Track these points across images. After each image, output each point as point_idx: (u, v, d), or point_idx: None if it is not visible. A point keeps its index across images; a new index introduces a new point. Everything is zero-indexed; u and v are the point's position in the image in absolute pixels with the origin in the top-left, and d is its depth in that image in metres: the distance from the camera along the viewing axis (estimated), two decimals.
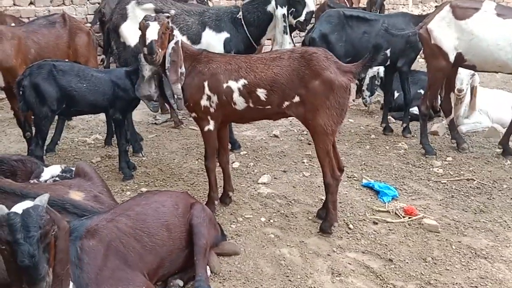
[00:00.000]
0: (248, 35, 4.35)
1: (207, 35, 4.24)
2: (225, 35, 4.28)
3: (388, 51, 5.19)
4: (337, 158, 3.17)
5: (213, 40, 4.24)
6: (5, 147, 4.85)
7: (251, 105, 3.06)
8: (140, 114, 6.10)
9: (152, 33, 3.03)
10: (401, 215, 3.43)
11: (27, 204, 1.87)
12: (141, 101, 4.10)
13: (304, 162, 4.58)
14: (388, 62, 5.34)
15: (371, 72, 6.31)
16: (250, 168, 4.41)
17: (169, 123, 5.85)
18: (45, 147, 4.14)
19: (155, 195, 2.72)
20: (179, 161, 4.59)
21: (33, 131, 3.96)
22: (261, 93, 3.00)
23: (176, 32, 3.20)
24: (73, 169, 2.98)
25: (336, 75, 2.88)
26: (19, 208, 1.84)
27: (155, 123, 5.86)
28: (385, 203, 3.65)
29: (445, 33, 4.51)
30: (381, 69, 6.26)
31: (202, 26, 4.25)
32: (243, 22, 4.24)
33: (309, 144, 5.13)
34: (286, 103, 3.00)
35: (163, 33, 3.07)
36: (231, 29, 4.27)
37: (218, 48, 4.22)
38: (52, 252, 1.89)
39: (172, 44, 3.11)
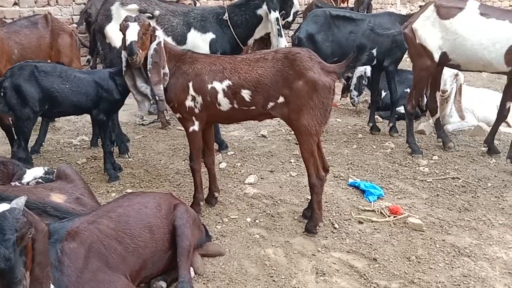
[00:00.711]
0: (235, 36, 4.34)
1: (192, 36, 4.23)
2: (210, 35, 4.27)
3: (374, 51, 5.23)
4: (322, 158, 3.18)
5: (199, 41, 4.22)
6: None
7: (235, 106, 3.05)
8: (127, 115, 6.06)
9: (132, 34, 3.03)
10: (386, 214, 3.45)
11: (3, 207, 1.83)
12: (125, 102, 4.10)
13: (291, 162, 4.58)
14: (375, 62, 5.37)
15: (358, 71, 6.34)
16: (237, 168, 4.40)
17: (156, 124, 5.82)
18: (29, 149, 4.09)
19: (137, 196, 2.70)
20: (165, 162, 4.57)
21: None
22: (246, 94, 2.99)
23: (159, 32, 3.16)
24: (54, 169, 2.96)
25: (320, 75, 2.88)
26: None
27: (142, 124, 5.82)
28: (370, 202, 3.66)
29: (429, 32, 4.54)
30: (368, 69, 6.29)
31: (187, 27, 4.23)
32: (229, 24, 4.23)
33: (297, 144, 5.07)
34: (271, 103, 2.99)
35: (143, 34, 3.05)
36: (216, 30, 4.25)
37: (204, 48, 4.21)
38: (29, 255, 1.86)
39: (154, 45, 3.09)
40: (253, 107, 3.03)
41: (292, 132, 5.32)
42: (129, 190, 3.84)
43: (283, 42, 4.29)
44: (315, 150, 3.01)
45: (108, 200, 3.66)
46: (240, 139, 5.33)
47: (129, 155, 4.67)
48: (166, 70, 3.14)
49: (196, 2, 7.30)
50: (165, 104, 3.20)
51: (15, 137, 3.85)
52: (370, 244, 3.03)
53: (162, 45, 3.11)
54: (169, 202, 2.71)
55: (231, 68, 3.05)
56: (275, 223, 3.31)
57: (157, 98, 3.16)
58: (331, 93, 2.93)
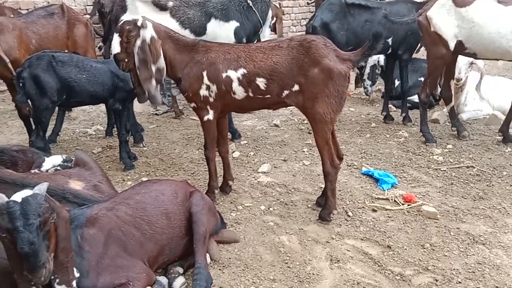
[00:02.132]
0: (260, 21, 4.36)
1: (213, 26, 4.23)
2: (234, 24, 4.27)
3: (389, 40, 5.17)
4: (336, 146, 3.18)
5: (222, 30, 4.22)
6: (7, 138, 4.88)
7: (250, 94, 3.06)
8: (141, 105, 6.06)
9: (115, 46, 3.12)
10: (400, 202, 3.44)
11: (26, 192, 1.89)
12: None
13: (304, 151, 4.59)
14: (390, 50, 5.32)
15: (372, 61, 6.30)
16: (250, 157, 4.42)
17: (170, 114, 5.87)
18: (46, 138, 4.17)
19: (154, 184, 2.74)
20: (179, 151, 4.61)
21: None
22: (261, 82, 2.99)
23: (145, 30, 3.09)
24: (72, 157, 3.01)
25: (335, 63, 2.87)
26: (18, 196, 1.86)
27: (156, 114, 5.87)
28: (384, 190, 3.66)
29: (444, 20, 4.48)
30: (381, 58, 6.23)
31: (206, 18, 4.23)
32: (254, 9, 4.24)
33: (310, 133, 5.14)
34: (286, 92, 2.99)
35: (126, 42, 3.09)
36: (239, 17, 4.26)
37: (228, 37, 4.21)
38: (52, 240, 1.92)
39: (137, 43, 3.09)
40: (268, 96, 3.04)
41: (305, 122, 5.36)
42: (144, 179, 3.89)
43: (268, 31, 4.32)
44: (329, 138, 3.01)
45: (124, 188, 3.72)
46: (253, 128, 5.35)
47: (144, 145, 4.73)
48: (161, 64, 3.14)
49: None
50: (158, 99, 3.23)
51: (33, 127, 3.92)
52: (384, 231, 3.04)
53: (150, 41, 3.06)
54: (185, 190, 2.75)
55: (245, 57, 3.06)
56: (289, 211, 3.33)
57: (147, 94, 3.21)
58: (346, 81, 2.93)
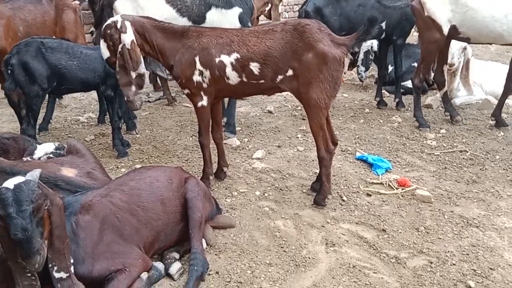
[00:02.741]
0: (254, 6, 4.33)
1: (213, 14, 4.17)
2: (238, 10, 4.22)
3: (383, 24, 5.14)
4: (331, 131, 3.17)
5: (225, 17, 4.17)
6: None
7: (244, 79, 3.03)
8: None
9: (104, 52, 3.16)
10: (394, 186, 3.46)
11: (18, 179, 1.86)
12: None
13: (298, 137, 4.59)
14: (383, 35, 5.29)
15: (365, 46, 6.28)
16: (245, 143, 4.41)
17: (163, 101, 5.82)
18: (37, 126, 4.12)
19: (149, 170, 2.72)
20: (173, 138, 4.58)
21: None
22: (254, 67, 2.96)
23: (125, 35, 3.05)
24: (65, 146, 2.97)
25: (330, 47, 2.85)
26: (10, 183, 1.84)
27: (148, 101, 5.82)
28: (378, 175, 3.67)
29: (438, 5, 4.46)
30: (375, 43, 6.21)
31: (206, 6, 4.17)
32: None
33: (303, 119, 5.13)
34: (280, 77, 2.97)
35: (112, 45, 3.10)
36: (240, 3, 4.21)
37: (233, 24, 4.16)
38: (46, 226, 1.90)
39: (119, 48, 3.07)
40: (262, 81, 3.01)
41: (299, 108, 5.35)
42: (138, 166, 3.86)
43: None
44: (324, 124, 3.00)
45: (118, 175, 3.70)
46: (246, 115, 5.32)
47: (137, 132, 4.69)
48: (142, 69, 3.14)
49: None
50: (137, 104, 3.24)
51: (24, 115, 3.86)
52: (379, 215, 3.05)
53: (130, 46, 3.04)
54: (180, 176, 2.74)
55: (239, 41, 3.02)
56: (284, 196, 3.33)
57: (125, 98, 3.23)
58: (341, 66, 2.90)
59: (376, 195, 3.36)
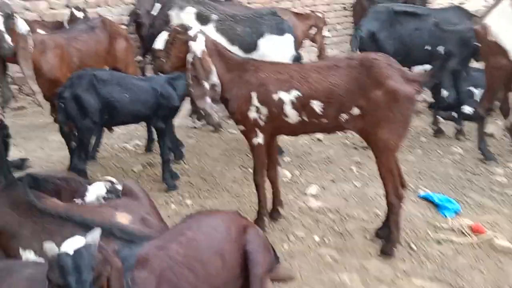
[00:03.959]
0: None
1: (266, 41, 4.03)
2: (290, 37, 4.08)
3: (441, 48, 4.83)
4: (399, 172, 2.91)
5: (278, 44, 4.02)
6: (46, 154, 4.81)
7: (304, 118, 2.83)
8: (179, 117, 5.97)
9: (158, 42, 3.04)
10: (467, 233, 3.14)
11: (78, 242, 1.72)
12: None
13: (353, 170, 4.33)
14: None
15: (418, 69, 5.96)
16: (296, 177, 4.20)
17: (208, 127, 5.69)
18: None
19: (206, 217, 2.55)
20: (221, 169, 4.43)
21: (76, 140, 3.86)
22: (316, 105, 2.76)
23: (196, 44, 2.94)
24: (117, 184, 2.85)
25: (401, 84, 2.61)
26: (69, 247, 1.69)
27: (194, 127, 5.71)
28: (447, 218, 3.36)
29: (505, 28, 4.14)
30: (428, 67, 5.88)
31: (258, 34, 4.04)
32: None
33: (356, 149, 4.88)
34: (344, 116, 2.75)
35: (170, 42, 3.00)
36: (290, 29, 4.07)
37: (286, 51, 4.02)
38: None
39: (189, 58, 2.92)
40: (324, 120, 2.80)
41: (350, 136, 5.08)
42: (188, 201, 3.73)
43: None
44: (394, 167, 2.75)
45: (168, 212, 3.57)
46: (294, 143, 5.11)
47: (185, 161, 4.57)
48: (214, 80, 2.96)
49: None
50: (214, 117, 3.07)
51: (74, 147, 3.81)
52: (455, 270, 2.75)
53: (201, 55, 2.90)
54: (238, 223, 2.54)
55: (299, 77, 2.83)
56: (346, 243, 3.08)
57: (202, 112, 3.05)
58: (412, 105, 2.66)
59: (448, 243, 3.06)
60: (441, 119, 5.61)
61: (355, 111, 2.71)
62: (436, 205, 3.57)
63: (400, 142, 2.70)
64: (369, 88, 2.65)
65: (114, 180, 2.85)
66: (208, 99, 2.99)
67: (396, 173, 2.81)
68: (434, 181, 4.04)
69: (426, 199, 3.69)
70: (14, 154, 4.67)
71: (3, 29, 3.41)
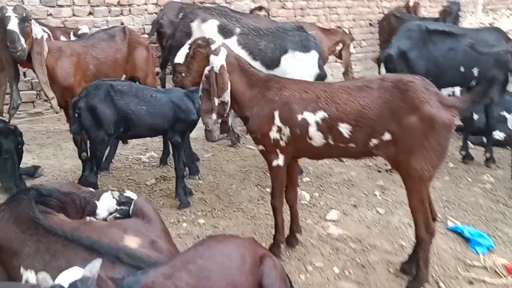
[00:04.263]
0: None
1: (290, 58, 3.86)
2: (315, 54, 3.90)
3: (474, 70, 4.59)
4: (430, 205, 2.68)
5: (301, 62, 3.85)
6: (60, 163, 4.71)
7: (330, 142, 2.63)
8: (196, 129, 5.83)
9: (180, 55, 2.92)
10: (502, 274, 2.88)
11: (75, 274, 1.55)
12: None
13: (376, 195, 4.10)
14: (474, 83, 4.73)
15: (446, 92, 5.73)
16: (316, 199, 3.98)
17: (226, 141, 5.54)
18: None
19: (219, 243, 2.35)
20: (237, 186, 4.25)
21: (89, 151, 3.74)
22: (344, 128, 2.56)
23: (217, 58, 2.78)
24: (127, 196, 2.68)
25: (438, 110, 2.40)
26: (65, 279, 1.53)
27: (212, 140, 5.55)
28: (479, 255, 3.10)
29: None
30: (457, 89, 5.65)
31: (281, 50, 3.87)
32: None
33: (379, 171, 4.65)
34: (374, 141, 2.54)
35: (191, 56, 2.87)
36: (316, 46, 3.89)
37: (310, 69, 3.84)
38: None
39: (205, 71, 2.77)
40: (352, 145, 2.60)
41: (373, 158, 4.85)
42: (201, 220, 3.55)
43: None
44: (426, 198, 2.52)
45: (178, 232, 3.40)
46: (314, 163, 4.88)
47: (200, 177, 4.41)
48: (226, 98, 2.80)
49: (269, 12, 6.99)
50: (215, 135, 2.92)
51: (86, 159, 3.69)
52: None
53: (218, 71, 2.74)
54: (254, 252, 2.34)
55: (326, 97, 2.64)
56: (368, 276, 2.85)
57: (205, 127, 2.90)
58: (450, 132, 2.44)
59: (480, 283, 2.80)
60: (470, 144, 5.35)
61: (387, 136, 2.50)
62: (466, 239, 3.31)
63: (434, 172, 2.48)
64: (403, 112, 2.45)
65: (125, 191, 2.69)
66: (214, 116, 2.84)
67: (428, 205, 2.58)
68: (463, 211, 3.78)
69: (455, 231, 3.43)
70: (27, 160, 4.60)
71: (17, 30, 3.37)
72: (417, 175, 2.45)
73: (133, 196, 2.67)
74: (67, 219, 2.48)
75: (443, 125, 2.40)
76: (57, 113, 3.85)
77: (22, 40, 3.39)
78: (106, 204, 2.69)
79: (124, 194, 2.75)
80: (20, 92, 5.84)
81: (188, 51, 2.87)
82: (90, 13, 6.46)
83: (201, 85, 2.82)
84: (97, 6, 6.46)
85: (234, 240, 2.56)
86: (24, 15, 3.43)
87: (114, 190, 2.75)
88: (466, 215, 3.73)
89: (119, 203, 2.71)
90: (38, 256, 2.25)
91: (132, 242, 2.33)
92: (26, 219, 2.37)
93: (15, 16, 3.37)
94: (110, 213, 2.60)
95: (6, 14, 3.38)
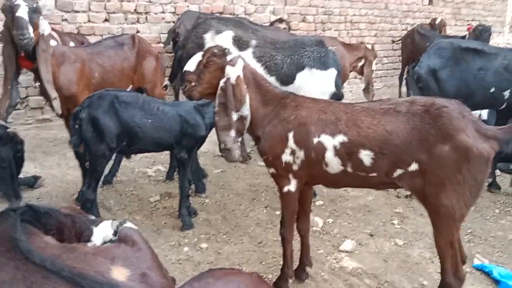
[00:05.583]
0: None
1: (306, 75, 3.61)
2: (334, 72, 3.65)
3: (507, 92, 4.26)
4: (460, 247, 2.37)
5: (318, 79, 3.60)
6: (62, 173, 4.51)
7: (349, 169, 2.35)
8: (206, 143, 5.60)
9: (191, 63, 2.64)
10: None
11: None
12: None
13: (394, 224, 3.79)
14: (504, 105, 4.40)
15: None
16: (329, 226, 3.69)
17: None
18: (101, 180, 3.70)
19: (219, 281, 2.09)
20: (245, 207, 3.98)
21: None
22: (366, 155, 2.28)
23: (232, 69, 2.55)
24: (128, 227, 2.45)
25: (475, 140, 2.11)
26: None
27: (222, 156, 5.31)
28: None
29: None
30: (484, 113, 5.30)
31: (298, 66, 3.63)
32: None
33: (398, 197, 4.33)
34: (399, 171, 2.26)
35: (204, 64, 2.61)
36: (335, 64, 3.63)
37: (326, 88, 3.59)
38: None
39: (221, 83, 2.52)
40: (374, 174, 2.31)
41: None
42: (203, 245, 3.30)
43: None
44: (455, 239, 2.22)
45: (179, 257, 3.14)
46: None
47: (206, 195, 4.16)
48: (245, 112, 2.54)
49: (289, 25, 6.77)
50: (235, 154, 2.63)
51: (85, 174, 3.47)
52: None
53: (235, 82, 2.50)
54: None
55: (347, 120, 2.37)
56: None
57: (221, 145, 2.62)
58: (487, 166, 2.14)
59: None
60: (498, 172, 5.00)
61: (414, 167, 2.22)
62: (495, 281, 2.98)
63: (467, 210, 2.18)
64: (434, 141, 2.16)
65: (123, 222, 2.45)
66: (233, 133, 2.58)
67: (457, 247, 2.27)
68: (490, 247, 3.45)
69: (483, 270, 3.10)
70: (29, 169, 4.42)
71: (26, 18, 3.24)
72: (447, 213, 2.15)
73: (134, 227, 2.44)
74: (53, 241, 2.24)
75: (479, 157, 2.10)
76: (58, 115, 3.64)
77: (30, 29, 3.26)
78: (103, 232, 2.46)
79: (125, 224, 2.53)
80: (29, 98, 5.79)
81: (201, 58, 2.63)
82: (106, 20, 6.33)
83: (216, 99, 2.57)
84: (114, 13, 6.33)
85: (237, 277, 2.28)
86: (34, 6, 3.34)
87: (115, 220, 2.52)
88: (493, 251, 3.39)
89: (115, 233, 2.48)
90: (13, 286, 2.02)
91: (119, 274, 2.06)
92: (8, 240, 2.15)
93: (26, 5, 3.28)
94: (105, 242, 2.36)
95: (16, 2, 3.27)
